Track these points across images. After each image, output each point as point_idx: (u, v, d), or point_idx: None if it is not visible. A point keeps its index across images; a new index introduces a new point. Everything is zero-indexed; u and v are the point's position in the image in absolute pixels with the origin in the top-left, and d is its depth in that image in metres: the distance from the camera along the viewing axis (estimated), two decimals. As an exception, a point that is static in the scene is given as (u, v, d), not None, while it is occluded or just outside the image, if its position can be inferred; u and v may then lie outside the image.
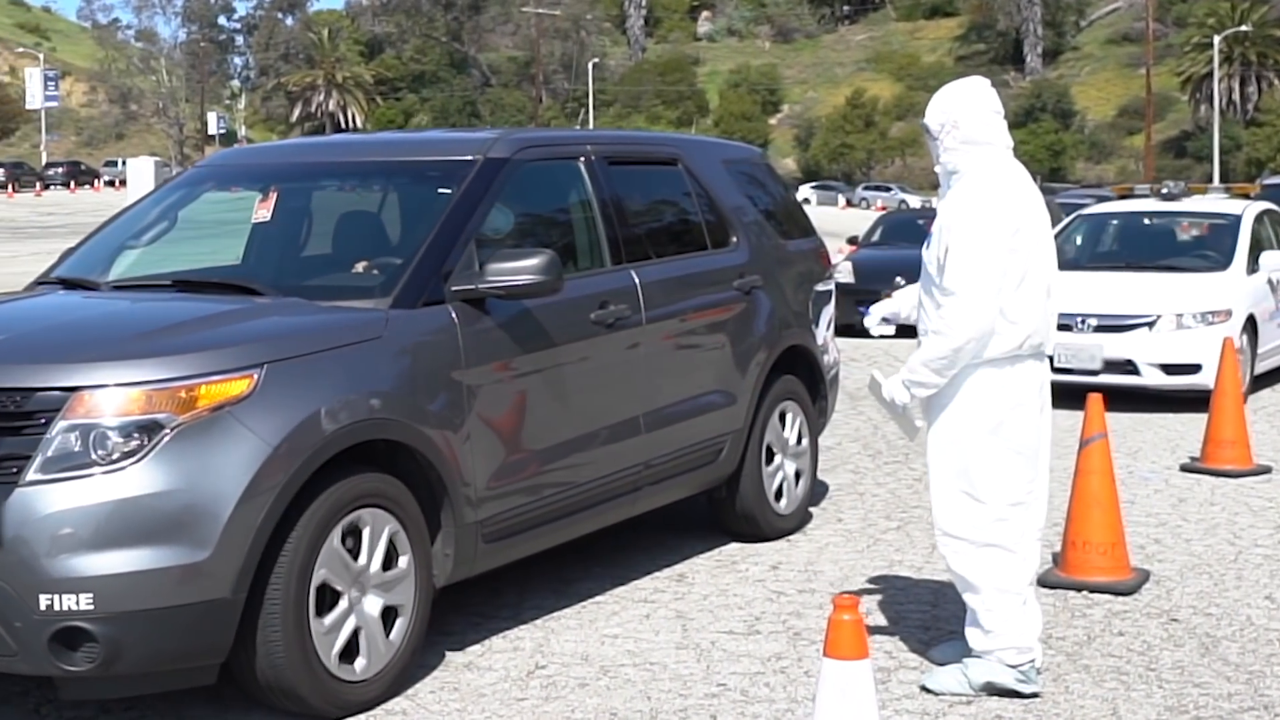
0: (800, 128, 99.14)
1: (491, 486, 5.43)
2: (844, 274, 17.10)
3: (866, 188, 77.86)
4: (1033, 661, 5.11)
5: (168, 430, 4.45)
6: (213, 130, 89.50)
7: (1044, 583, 6.42)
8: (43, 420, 4.42)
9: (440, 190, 5.81)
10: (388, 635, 5.04)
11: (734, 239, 7.23)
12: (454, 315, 5.36)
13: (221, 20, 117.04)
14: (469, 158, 5.91)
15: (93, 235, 6.37)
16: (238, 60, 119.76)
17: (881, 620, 6.06)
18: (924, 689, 5.17)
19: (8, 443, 4.43)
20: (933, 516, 5.28)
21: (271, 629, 4.61)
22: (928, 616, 6.09)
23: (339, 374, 4.88)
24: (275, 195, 6.03)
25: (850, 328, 16.38)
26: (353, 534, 4.88)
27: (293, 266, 6.09)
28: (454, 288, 5.39)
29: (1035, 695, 5.09)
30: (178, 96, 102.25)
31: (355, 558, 4.89)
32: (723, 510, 7.26)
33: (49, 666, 4.36)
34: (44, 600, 4.29)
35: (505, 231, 6.19)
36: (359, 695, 4.93)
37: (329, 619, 4.81)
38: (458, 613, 6.10)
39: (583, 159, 6.37)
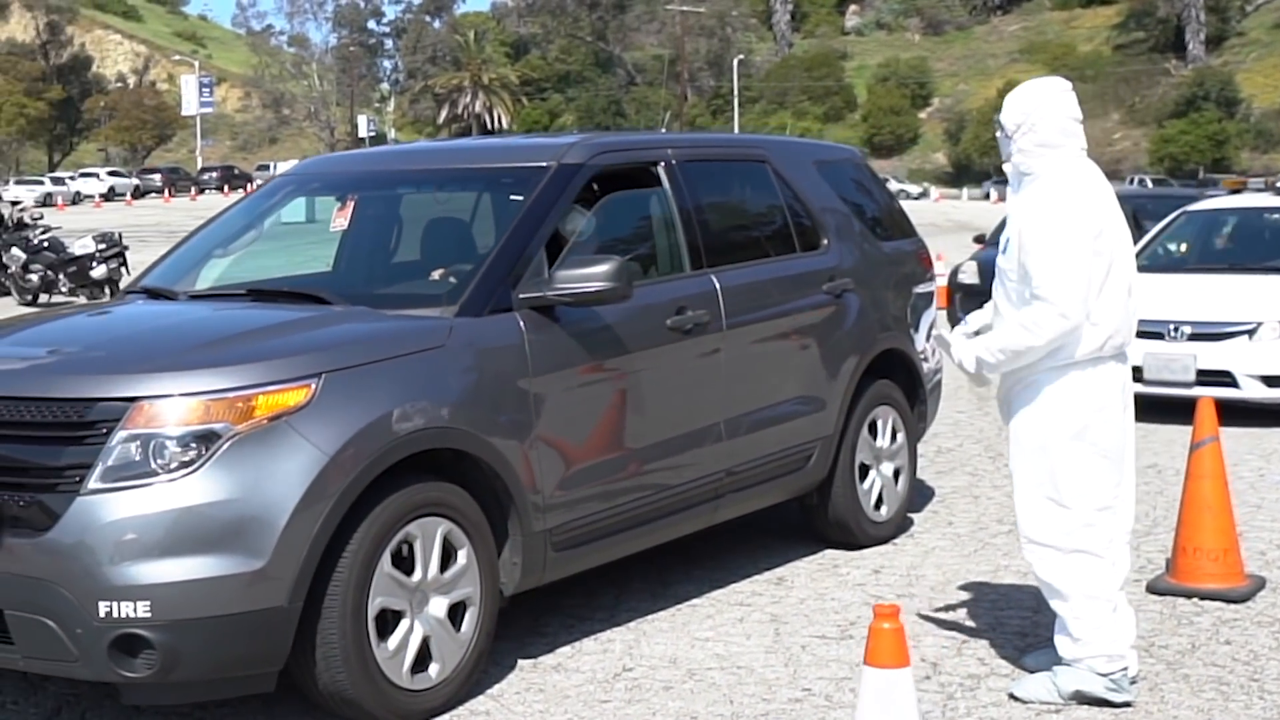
0: (951, 121, 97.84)
1: (560, 495, 5.40)
2: (968, 274, 16.25)
3: (996, 182, 76.51)
4: (1125, 670, 4.98)
5: (225, 440, 4.49)
6: (363, 133, 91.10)
7: (1153, 589, 6.27)
8: (104, 430, 4.49)
9: (512, 197, 5.79)
10: (458, 630, 5.04)
11: (824, 241, 7.10)
12: (521, 323, 5.34)
13: (371, 24, 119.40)
14: (543, 164, 5.89)
15: (181, 244, 6.48)
16: (387, 64, 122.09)
17: (978, 625, 5.94)
18: (1012, 697, 5.07)
19: (70, 452, 4.51)
20: (1017, 524, 5.15)
21: (330, 640, 4.63)
22: (1027, 623, 5.94)
23: (398, 383, 4.88)
24: (353, 203, 6.07)
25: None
26: (404, 551, 4.87)
27: (365, 275, 6.13)
28: (522, 295, 5.37)
29: (1127, 704, 4.96)
30: (329, 100, 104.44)
31: (409, 573, 4.89)
32: (816, 518, 7.15)
33: (109, 673, 4.43)
34: (103, 607, 4.37)
35: (585, 236, 6.17)
36: (432, 700, 4.95)
37: (393, 640, 4.82)
38: (553, 614, 6.13)
39: (663, 163, 6.30)
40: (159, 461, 4.46)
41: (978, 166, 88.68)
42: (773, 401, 6.54)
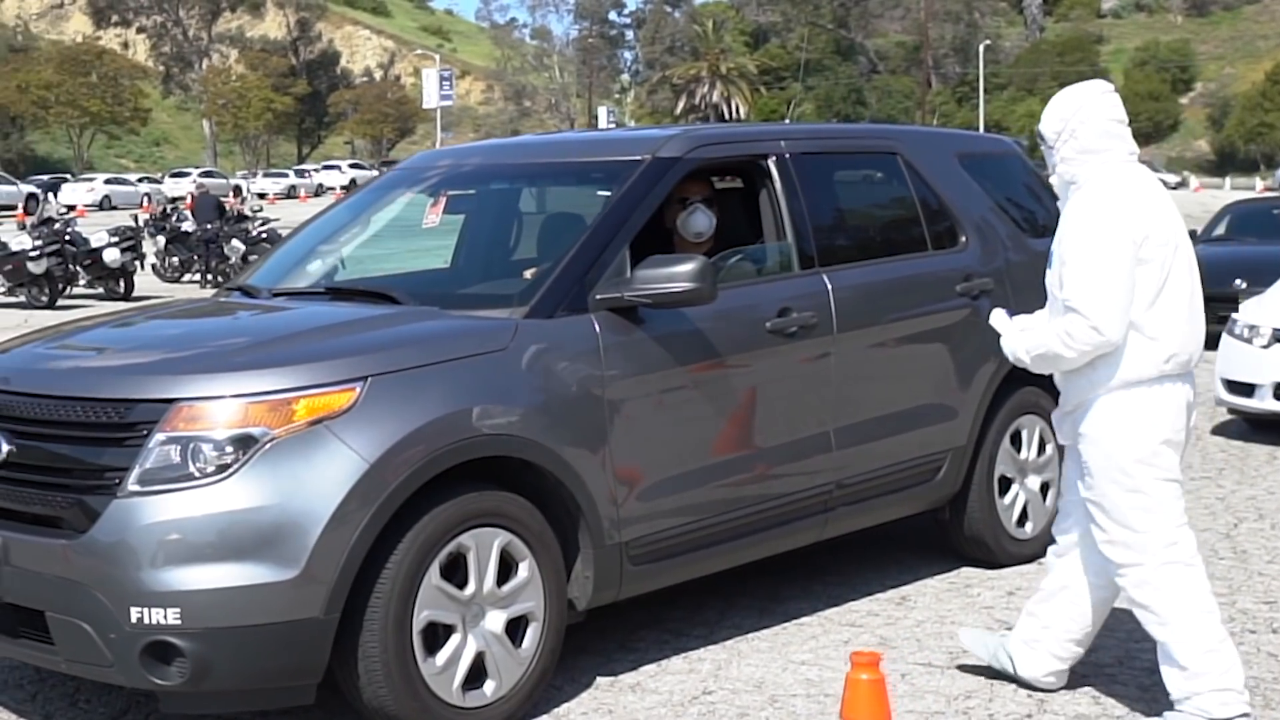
0: (1214, 107, 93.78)
1: (638, 506, 5.12)
2: None
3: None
4: (1246, 716, 4.52)
5: (262, 444, 4.35)
6: (603, 124, 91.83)
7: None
8: (143, 431, 4.39)
9: (599, 192, 5.53)
10: (518, 646, 4.82)
11: (962, 239, 6.63)
12: (596, 325, 5.07)
13: (612, 15, 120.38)
14: (637, 157, 5.61)
15: (288, 239, 6.40)
16: (627, 55, 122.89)
17: (1101, 658, 5.43)
18: None
19: (110, 453, 4.43)
20: (1101, 557, 4.79)
21: (371, 653, 4.46)
22: (1157, 659, 5.41)
23: (452, 387, 4.68)
24: (444, 200, 5.89)
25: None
26: (455, 564, 4.66)
27: (449, 273, 5.94)
28: (598, 296, 5.11)
29: None
30: (569, 92, 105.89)
31: (462, 586, 4.67)
32: (950, 533, 6.70)
33: (142, 680, 4.35)
34: (135, 613, 4.28)
35: (703, 235, 5.90)
36: (487, 719, 4.72)
37: (442, 657, 4.62)
38: (650, 628, 5.86)
39: (773, 156, 5.94)
40: (196, 465, 4.35)
41: (1243, 154, 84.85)
42: (893, 410, 6.13)
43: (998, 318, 5.05)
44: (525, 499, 4.84)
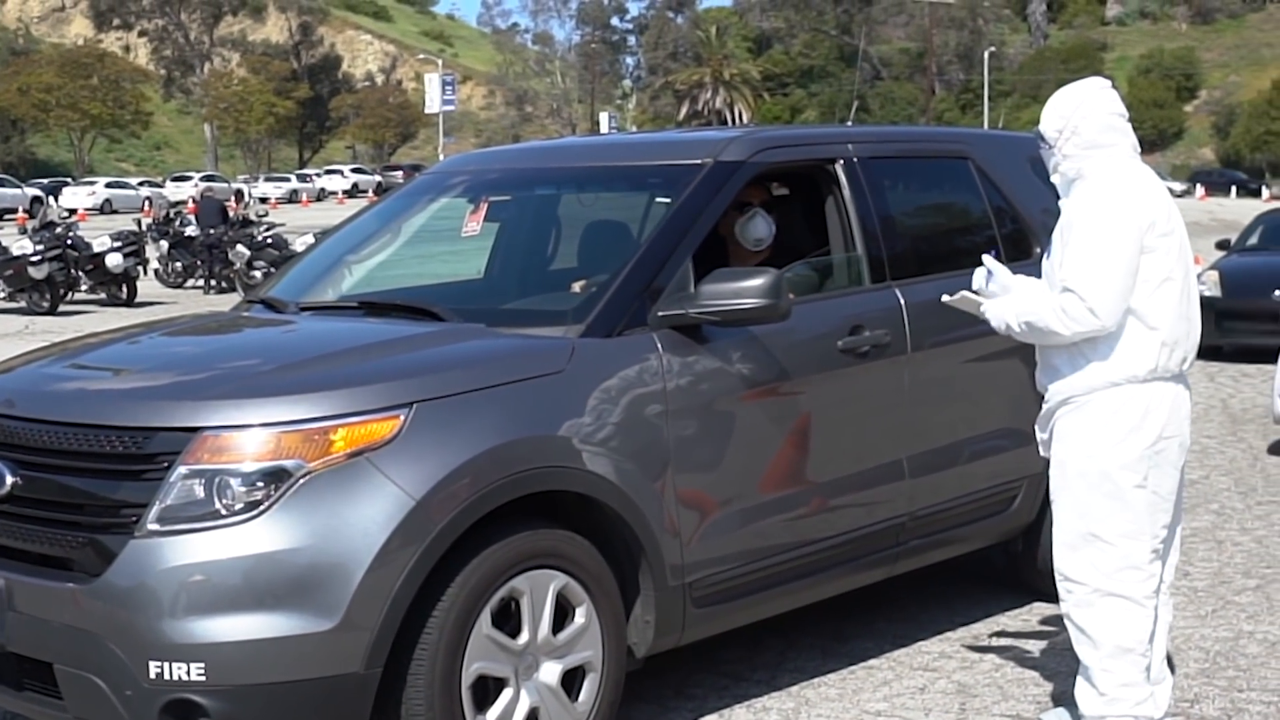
0: (1219, 115, 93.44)
1: (703, 544, 4.66)
2: (1209, 286, 14.47)
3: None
4: None
5: (296, 479, 3.89)
6: (604, 129, 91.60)
7: None
8: (164, 464, 3.92)
9: (659, 199, 5.08)
10: (574, 700, 4.36)
11: (1038, 249, 6.18)
12: (659, 345, 4.61)
13: (614, 21, 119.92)
14: (698, 161, 5.15)
15: (312, 248, 5.94)
16: (629, 60, 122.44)
17: (1206, 711, 4.99)
18: None
19: (127, 487, 3.97)
20: (1052, 556, 4.65)
21: (416, 711, 4.01)
22: (1271, 711, 4.98)
23: (504, 414, 4.21)
24: (485, 207, 5.41)
25: (1218, 350, 14.67)
26: (506, 610, 4.20)
27: (492, 286, 5.48)
28: (661, 313, 4.65)
29: None
30: (571, 97, 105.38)
31: (515, 635, 4.21)
32: (1023, 566, 6.25)
33: (161, 741, 3.87)
34: (154, 667, 3.82)
35: (763, 244, 5.45)
36: None
37: (493, 714, 4.17)
38: (707, 672, 5.40)
39: (841, 160, 5.48)
40: (223, 501, 3.88)
41: (1248, 162, 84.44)
42: (968, 435, 5.69)
43: (979, 276, 4.80)
44: (582, 537, 4.38)
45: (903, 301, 5.42)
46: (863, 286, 5.42)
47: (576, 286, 5.13)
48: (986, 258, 4.82)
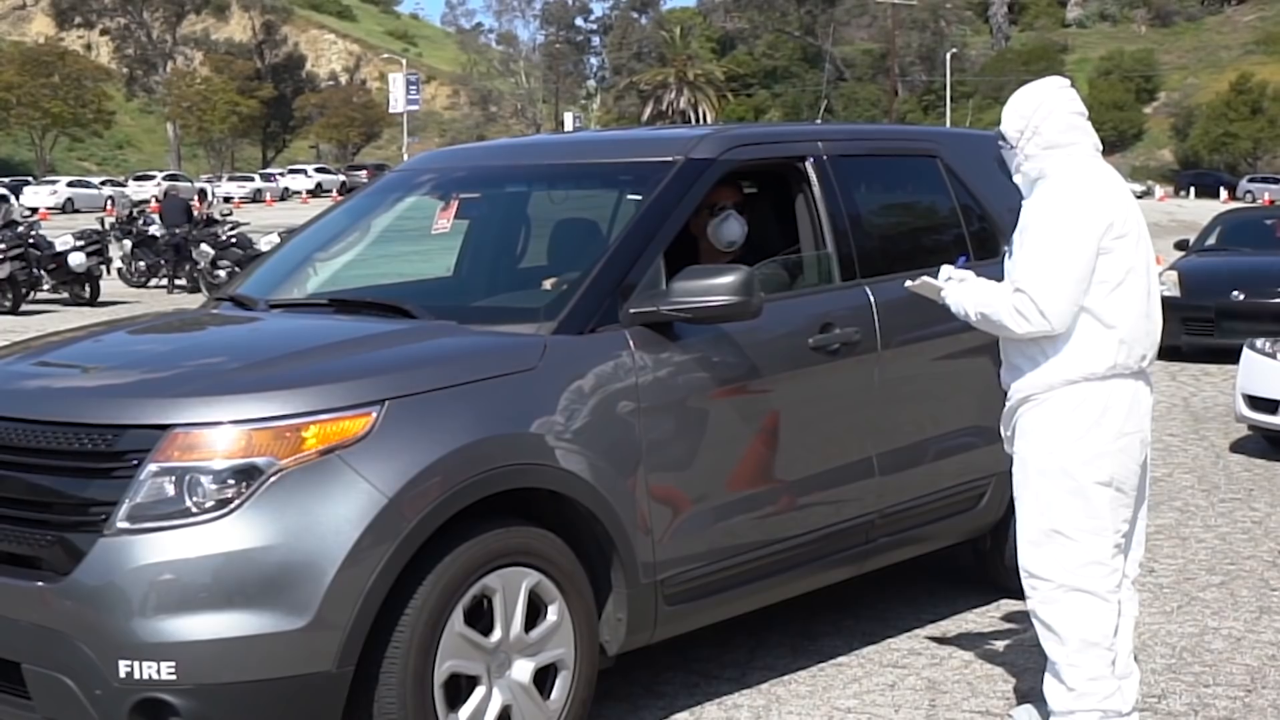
0: (1178, 116, 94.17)
1: (675, 541, 4.67)
2: (1168, 286, 14.29)
3: (1252, 180, 72.95)
4: None
5: (267, 476, 3.87)
6: (569, 129, 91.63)
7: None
8: (133, 461, 3.90)
9: (629, 196, 5.07)
10: (546, 698, 4.36)
11: (1005, 247, 6.20)
12: (631, 342, 4.61)
13: (578, 21, 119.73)
14: (669, 159, 5.14)
15: (280, 246, 5.91)
16: (593, 60, 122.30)
17: (1173, 708, 5.02)
18: None
19: (96, 485, 3.93)
20: (1017, 553, 4.64)
21: (388, 710, 3.99)
22: (1237, 706, 5.02)
23: (477, 412, 4.20)
24: (455, 204, 5.40)
25: (1177, 350, 14.72)
26: (478, 608, 4.19)
27: (462, 284, 5.47)
28: (632, 310, 4.65)
29: None
30: (535, 97, 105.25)
31: (487, 633, 4.20)
32: (990, 563, 6.28)
33: (131, 741, 3.84)
34: (124, 666, 3.79)
35: (735, 244, 5.45)
36: None
37: (465, 712, 4.16)
38: (675, 670, 5.39)
39: (811, 158, 5.49)
40: (193, 499, 3.85)
41: (1207, 164, 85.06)
42: (937, 433, 5.71)
43: (945, 272, 4.83)
44: (555, 535, 4.38)
45: (873, 299, 5.43)
46: (833, 284, 5.43)
47: (548, 284, 5.13)
48: (951, 268, 4.84)
